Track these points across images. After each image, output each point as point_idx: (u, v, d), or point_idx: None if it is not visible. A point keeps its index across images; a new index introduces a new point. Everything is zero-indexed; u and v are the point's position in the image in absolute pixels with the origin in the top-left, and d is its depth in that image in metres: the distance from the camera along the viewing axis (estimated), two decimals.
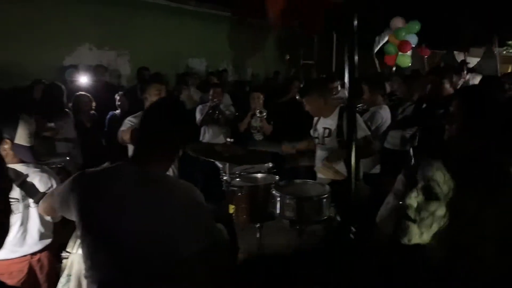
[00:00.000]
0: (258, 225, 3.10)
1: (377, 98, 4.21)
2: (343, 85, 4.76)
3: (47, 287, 2.24)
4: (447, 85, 4.00)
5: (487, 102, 1.74)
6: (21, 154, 2.18)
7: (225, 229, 1.90)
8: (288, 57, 10.72)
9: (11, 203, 0.81)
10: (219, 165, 3.33)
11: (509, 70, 11.62)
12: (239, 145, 3.11)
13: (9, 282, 1.65)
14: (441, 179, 1.62)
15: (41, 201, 1.60)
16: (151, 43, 7.28)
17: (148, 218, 1.35)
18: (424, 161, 1.73)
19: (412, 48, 8.22)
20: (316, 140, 3.31)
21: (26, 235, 2.16)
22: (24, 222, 2.14)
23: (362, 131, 3.10)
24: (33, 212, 2.16)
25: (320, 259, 3.00)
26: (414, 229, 1.66)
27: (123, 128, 3.11)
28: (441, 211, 1.60)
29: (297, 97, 5.17)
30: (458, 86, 5.38)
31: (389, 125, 4.20)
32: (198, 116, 4.71)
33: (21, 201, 2.10)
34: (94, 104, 4.67)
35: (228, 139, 2.96)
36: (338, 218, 2.67)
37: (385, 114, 4.14)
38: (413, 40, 8.07)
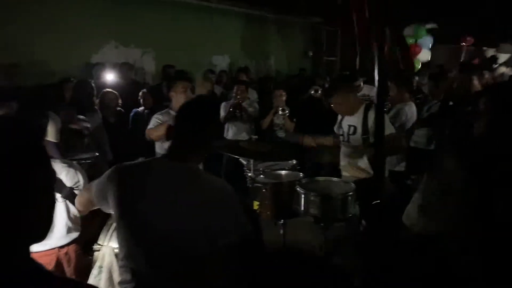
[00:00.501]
0: (281, 221, 3.13)
1: (404, 95, 4.17)
2: (366, 82, 4.71)
3: None
4: (476, 82, 3.92)
5: None
6: (48, 150, 2.25)
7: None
8: (312, 54, 10.67)
9: None
10: (243, 161, 3.37)
11: None
12: (263, 142, 3.13)
13: None
14: (458, 176, 1.60)
15: (78, 195, 1.66)
16: (175, 40, 7.36)
17: (182, 211, 1.39)
18: (444, 158, 1.71)
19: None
20: (341, 138, 3.30)
21: (54, 228, 2.21)
22: None
23: (388, 128, 3.07)
24: (60, 206, 2.21)
25: (343, 257, 3.01)
26: (430, 223, 1.65)
27: (151, 126, 3.17)
28: (457, 206, 1.59)
29: (312, 93, 5.15)
30: (487, 83, 5.25)
31: (414, 123, 4.14)
32: (222, 113, 4.76)
33: None
34: (120, 101, 4.76)
35: (253, 136, 2.99)
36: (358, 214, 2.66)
37: (409, 111, 4.09)
38: (427, 42, 8.05)
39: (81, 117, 3.96)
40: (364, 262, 2.70)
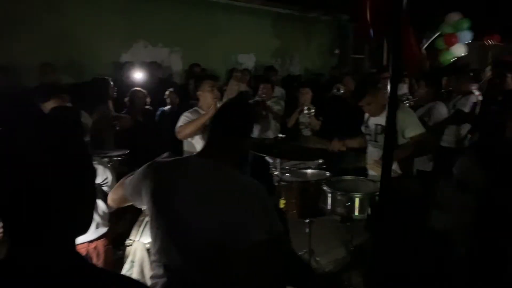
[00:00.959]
0: (307, 220, 3.14)
1: (433, 93, 4.10)
2: None
3: None
4: (510, 80, 3.82)
5: None
6: None
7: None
8: (338, 51, 10.57)
9: None
10: (270, 160, 3.39)
11: None
12: (289, 141, 3.15)
13: None
14: (478, 175, 1.58)
15: (111, 192, 1.72)
16: (202, 39, 7.44)
17: (215, 208, 1.42)
18: (467, 158, 1.70)
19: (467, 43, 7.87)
20: (368, 137, 3.28)
21: None
22: None
23: (418, 128, 3.03)
24: None
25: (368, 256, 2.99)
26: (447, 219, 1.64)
27: (180, 124, 3.22)
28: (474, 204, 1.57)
29: (334, 91, 5.11)
30: None
31: (442, 121, 4.07)
32: None
33: None
34: (149, 99, 4.86)
35: (279, 135, 3.00)
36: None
37: (443, 110, 4.03)
38: (466, 37, 7.72)
39: (117, 114, 4.06)
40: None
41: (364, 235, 3.14)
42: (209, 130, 1.65)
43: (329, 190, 2.73)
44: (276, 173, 2.95)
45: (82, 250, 2.28)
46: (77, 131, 0.88)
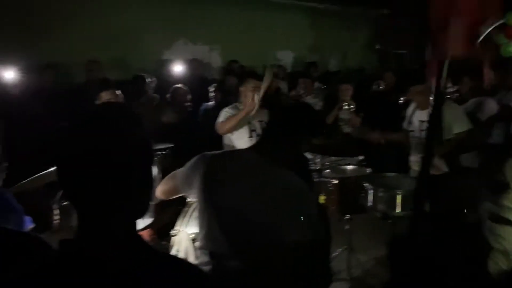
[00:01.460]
0: (347, 216, 3.13)
1: (479, 88, 3.97)
2: None
3: None
4: None
5: None
6: None
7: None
8: (378, 47, 10.36)
9: None
10: (309, 155, 3.40)
11: None
12: (329, 137, 3.14)
13: None
14: None
15: (160, 184, 1.78)
16: (241, 36, 7.51)
17: (261, 204, 1.47)
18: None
19: None
20: (411, 133, 3.22)
21: None
22: None
23: (465, 124, 2.96)
24: None
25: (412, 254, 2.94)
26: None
27: (221, 119, 3.27)
28: None
29: (374, 87, 5.02)
30: None
31: (490, 117, 3.93)
32: None
33: None
34: (189, 96, 4.97)
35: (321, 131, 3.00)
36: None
37: (494, 105, 3.88)
38: None
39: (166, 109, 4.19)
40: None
41: (406, 233, 3.09)
42: (265, 127, 1.70)
43: (370, 187, 2.71)
44: (316, 168, 2.96)
45: None
46: (138, 121, 0.93)
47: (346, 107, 4.52)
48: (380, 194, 2.65)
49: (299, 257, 1.46)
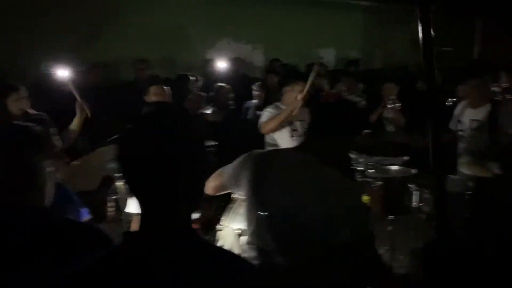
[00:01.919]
0: (391, 217, 3.09)
1: None
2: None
3: None
4: None
5: None
6: None
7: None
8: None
9: None
10: (353, 155, 3.37)
11: None
12: (373, 136, 3.11)
13: None
14: None
15: (209, 180, 1.84)
16: (283, 35, 7.52)
17: (308, 202, 1.49)
18: None
19: None
20: (460, 133, 3.13)
21: None
22: None
23: None
24: None
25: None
26: None
27: (263, 119, 3.32)
28: None
29: (420, 86, 4.88)
30: None
31: None
32: None
33: None
34: (232, 94, 5.06)
35: (366, 130, 2.98)
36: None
37: None
38: None
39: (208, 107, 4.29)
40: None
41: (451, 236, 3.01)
42: (309, 126, 1.72)
43: (415, 188, 2.67)
44: (359, 168, 2.94)
45: None
46: (194, 120, 1.00)
47: (391, 106, 4.45)
48: (426, 195, 2.60)
49: (344, 255, 1.48)
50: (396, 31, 9.57)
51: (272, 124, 3.24)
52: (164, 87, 3.45)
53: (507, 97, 4.22)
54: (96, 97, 4.08)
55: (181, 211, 0.91)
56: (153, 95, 3.34)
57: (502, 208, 2.06)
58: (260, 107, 4.19)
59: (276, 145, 3.27)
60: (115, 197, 2.64)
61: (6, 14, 5.26)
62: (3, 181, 1.17)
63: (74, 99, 3.52)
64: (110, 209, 2.52)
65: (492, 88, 4.14)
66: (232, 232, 2.14)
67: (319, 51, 8.25)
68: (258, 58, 7.55)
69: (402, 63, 9.01)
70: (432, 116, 1.49)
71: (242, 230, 2.14)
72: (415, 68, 7.90)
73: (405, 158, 3.25)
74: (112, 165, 2.64)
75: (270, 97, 4.04)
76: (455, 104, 3.61)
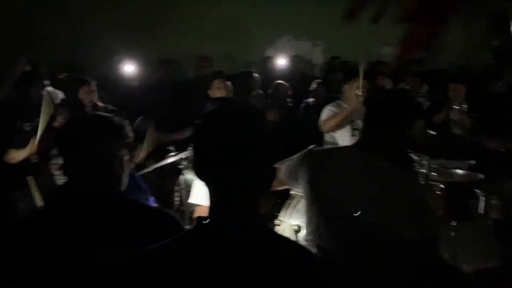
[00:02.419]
0: (454, 223, 2.97)
1: None
2: None
3: None
4: None
5: None
6: None
7: None
8: (495, 43, 9.47)
9: None
10: (415, 157, 3.28)
11: None
12: (439, 138, 3.00)
13: None
14: None
15: None
16: (344, 32, 7.38)
17: (368, 200, 1.48)
18: None
19: None
20: None
21: None
22: None
23: None
24: None
25: None
26: None
27: (324, 117, 3.31)
28: None
29: (492, 88, 4.60)
30: None
31: None
32: None
33: None
34: (290, 92, 5.08)
35: (429, 131, 2.89)
36: None
37: None
38: None
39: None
40: None
41: None
42: (365, 121, 1.68)
43: (482, 194, 2.55)
44: (422, 171, 2.85)
45: None
46: (262, 114, 1.05)
47: (457, 107, 4.25)
48: (494, 201, 2.48)
49: (405, 255, 1.45)
50: (464, 28, 9.09)
51: (333, 123, 3.22)
52: (227, 82, 3.55)
53: None
54: (163, 93, 4.28)
55: (250, 199, 0.96)
56: (216, 89, 3.45)
57: None
58: (319, 105, 4.17)
59: (335, 144, 3.25)
60: (178, 188, 2.77)
61: (82, 11, 5.65)
62: (87, 166, 1.28)
63: (139, 93, 3.72)
64: (176, 198, 2.66)
65: None
66: (290, 227, 2.18)
67: (382, 49, 8.03)
68: (317, 56, 7.50)
69: (468, 62, 8.54)
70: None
71: (300, 226, 2.17)
72: (483, 68, 7.48)
73: (471, 162, 3.11)
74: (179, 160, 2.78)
75: (333, 96, 4.01)
76: None
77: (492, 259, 3.30)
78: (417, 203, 1.50)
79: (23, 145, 3.05)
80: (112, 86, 5.09)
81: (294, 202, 2.30)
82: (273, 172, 1.01)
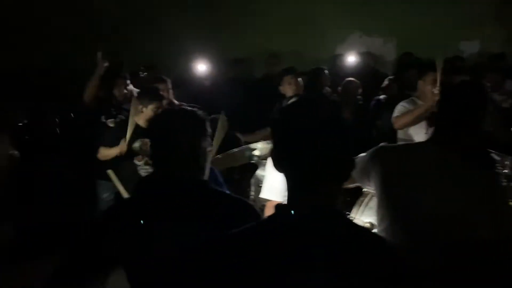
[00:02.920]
0: None
1: None
2: None
3: None
4: None
5: None
6: None
7: None
8: None
9: None
10: (497, 157, 3.10)
11: None
12: None
13: None
14: None
15: None
16: (418, 27, 7.08)
17: (444, 198, 1.45)
18: None
19: None
20: None
21: None
22: None
23: None
24: None
25: None
26: None
27: (396, 114, 3.24)
28: None
29: None
30: None
31: None
32: None
33: None
34: (361, 89, 4.99)
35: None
36: None
37: None
38: None
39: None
40: None
41: None
42: (438, 116, 1.64)
43: None
44: (505, 172, 2.69)
45: None
46: (339, 107, 1.10)
47: None
48: None
49: (485, 256, 1.41)
50: None
51: (406, 119, 3.15)
52: (298, 78, 3.58)
53: None
54: (236, 91, 4.41)
55: (330, 189, 1.00)
56: (287, 85, 3.49)
57: None
58: (392, 102, 4.07)
59: (409, 141, 3.16)
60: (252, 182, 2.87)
61: (159, 12, 5.97)
62: (175, 156, 1.39)
63: (212, 92, 3.85)
64: (252, 192, 2.76)
65: None
66: (362, 224, 2.17)
67: (459, 44, 7.58)
68: (390, 52, 7.26)
69: None
70: None
71: (372, 224, 2.16)
72: None
73: None
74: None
75: (406, 93, 3.89)
76: None
77: None
78: (497, 203, 1.45)
79: (109, 142, 3.29)
80: (186, 84, 5.34)
81: (366, 199, 2.29)
82: (352, 163, 1.04)
